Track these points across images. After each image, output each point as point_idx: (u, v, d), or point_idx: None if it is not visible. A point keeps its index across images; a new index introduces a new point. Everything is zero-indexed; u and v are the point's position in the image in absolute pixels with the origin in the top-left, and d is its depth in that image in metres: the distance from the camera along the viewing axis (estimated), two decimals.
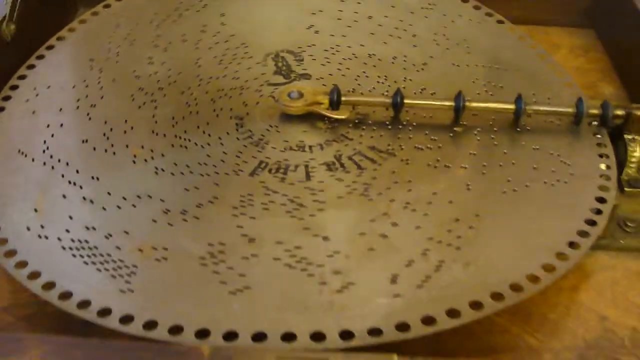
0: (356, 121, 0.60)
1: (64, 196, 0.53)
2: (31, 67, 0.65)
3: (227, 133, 0.59)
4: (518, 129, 0.59)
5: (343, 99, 0.59)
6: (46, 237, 0.50)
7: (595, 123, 0.59)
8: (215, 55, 0.66)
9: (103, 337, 0.42)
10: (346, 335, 0.43)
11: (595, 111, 0.59)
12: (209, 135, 0.58)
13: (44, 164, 0.56)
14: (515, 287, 0.46)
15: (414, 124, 0.59)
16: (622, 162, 0.59)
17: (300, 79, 0.64)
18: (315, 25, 0.70)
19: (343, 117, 0.59)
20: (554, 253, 0.49)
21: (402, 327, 0.43)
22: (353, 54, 0.67)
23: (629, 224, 0.56)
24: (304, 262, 0.48)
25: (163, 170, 0.55)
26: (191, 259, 0.48)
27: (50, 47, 0.67)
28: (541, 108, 0.59)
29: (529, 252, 0.49)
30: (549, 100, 0.61)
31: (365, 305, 0.45)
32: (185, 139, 0.58)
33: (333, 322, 0.44)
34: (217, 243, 0.49)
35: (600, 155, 0.57)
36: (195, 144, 0.57)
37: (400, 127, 0.59)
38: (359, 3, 0.72)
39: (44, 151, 0.57)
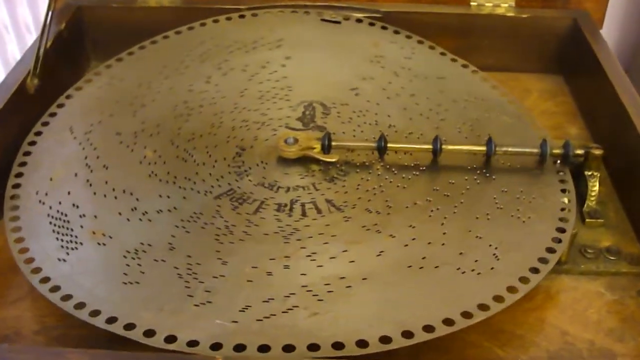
0: (342, 168, 0.67)
1: (76, 174, 0.65)
2: (89, 80, 0.78)
3: (224, 158, 0.68)
4: (477, 217, 0.63)
5: (333, 143, 0.67)
6: (43, 203, 0.63)
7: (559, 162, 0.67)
8: (261, 90, 0.76)
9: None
10: (170, 339, 0.51)
11: (558, 151, 0.66)
12: (210, 156, 0.68)
13: (80, 143, 0.69)
14: (337, 346, 0.51)
15: (390, 181, 0.66)
16: (583, 196, 0.66)
17: (315, 130, 0.72)
18: (358, 89, 0.76)
19: (333, 160, 0.67)
20: (400, 331, 0.52)
21: (215, 346, 0.51)
22: (375, 121, 0.73)
23: (589, 251, 0.63)
24: (193, 275, 0.57)
25: (156, 175, 0.66)
26: (119, 250, 0.59)
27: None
28: (510, 149, 0.66)
29: (373, 322, 0.53)
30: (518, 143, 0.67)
31: (201, 321, 0.52)
32: (189, 154, 0.68)
33: (165, 327, 0.52)
34: (146, 244, 0.59)
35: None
36: (194, 160, 0.68)
37: (377, 185, 0.66)
38: (410, 81, 0.77)
39: (85, 133, 0.70)
